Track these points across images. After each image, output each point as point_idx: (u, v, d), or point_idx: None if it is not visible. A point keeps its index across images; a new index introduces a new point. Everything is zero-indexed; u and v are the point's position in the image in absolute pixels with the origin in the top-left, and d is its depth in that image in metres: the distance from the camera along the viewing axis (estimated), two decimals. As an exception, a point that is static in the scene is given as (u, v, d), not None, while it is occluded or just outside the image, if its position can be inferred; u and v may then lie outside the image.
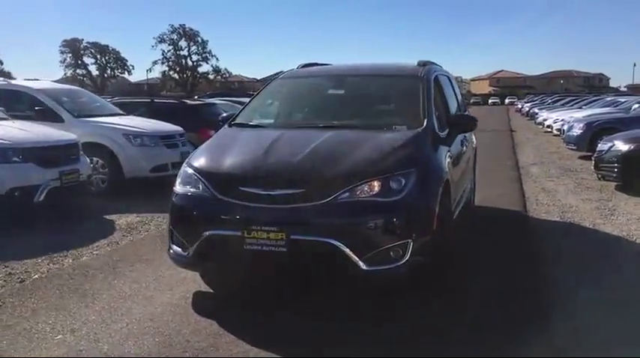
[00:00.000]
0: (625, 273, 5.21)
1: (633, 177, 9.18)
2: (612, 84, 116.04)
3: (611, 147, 9.55)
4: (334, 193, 3.99)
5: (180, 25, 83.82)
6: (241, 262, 4.20)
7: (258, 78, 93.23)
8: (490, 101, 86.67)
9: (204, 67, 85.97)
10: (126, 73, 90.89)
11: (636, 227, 6.90)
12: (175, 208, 4.50)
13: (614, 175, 9.47)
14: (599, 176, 10.10)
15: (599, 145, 10.12)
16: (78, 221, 7.43)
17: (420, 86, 5.37)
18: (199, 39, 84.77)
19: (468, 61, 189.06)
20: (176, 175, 4.74)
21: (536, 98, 52.04)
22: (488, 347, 3.65)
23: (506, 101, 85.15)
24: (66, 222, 7.31)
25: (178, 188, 4.56)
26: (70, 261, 5.64)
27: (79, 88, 13.62)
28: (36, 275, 5.17)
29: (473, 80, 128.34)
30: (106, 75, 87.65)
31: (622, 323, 4.02)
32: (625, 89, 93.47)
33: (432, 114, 5.04)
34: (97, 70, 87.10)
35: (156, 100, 13.25)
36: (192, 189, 4.44)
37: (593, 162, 10.18)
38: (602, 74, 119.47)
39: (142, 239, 6.49)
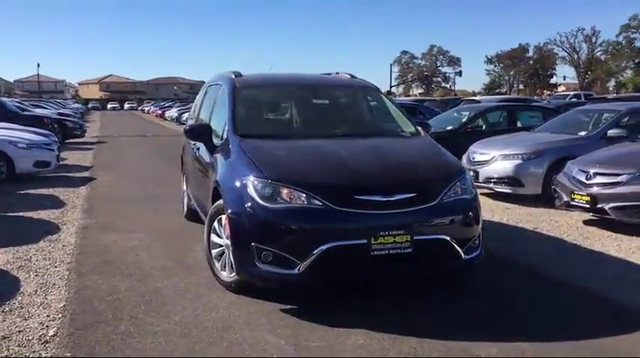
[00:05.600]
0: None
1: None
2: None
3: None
4: (439, 195, 4.54)
5: None
6: (366, 269, 4.34)
7: None
8: (109, 106, 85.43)
9: None
10: None
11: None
12: (272, 224, 4.30)
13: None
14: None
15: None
16: None
17: (382, 96, 6.12)
18: None
19: (74, 63, 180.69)
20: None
21: (166, 103, 54.91)
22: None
23: (126, 106, 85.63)
24: None
25: (264, 202, 4.34)
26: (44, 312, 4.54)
27: None
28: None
29: (81, 84, 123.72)
30: None
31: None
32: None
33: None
34: None
35: None
36: (289, 203, 4.32)
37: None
38: (204, 81, 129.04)
39: (69, 273, 5.42)
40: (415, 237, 4.33)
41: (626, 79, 78.79)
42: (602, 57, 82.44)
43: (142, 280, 5.22)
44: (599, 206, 6.93)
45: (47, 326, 4.21)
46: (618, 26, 76.82)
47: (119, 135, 27.58)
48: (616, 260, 5.98)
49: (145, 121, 46.05)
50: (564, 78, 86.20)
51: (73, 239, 6.79)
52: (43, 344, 3.92)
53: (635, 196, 6.70)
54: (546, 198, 8.82)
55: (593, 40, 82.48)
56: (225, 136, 5.29)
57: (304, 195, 4.31)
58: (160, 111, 50.66)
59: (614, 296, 4.87)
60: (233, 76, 6.08)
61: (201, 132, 5.54)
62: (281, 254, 4.26)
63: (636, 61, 76.63)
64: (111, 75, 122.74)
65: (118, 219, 7.84)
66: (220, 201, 4.84)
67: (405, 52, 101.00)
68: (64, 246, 6.48)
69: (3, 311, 4.50)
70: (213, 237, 4.96)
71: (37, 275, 5.43)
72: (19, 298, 4.81)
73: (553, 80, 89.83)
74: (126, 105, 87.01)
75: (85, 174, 12.93)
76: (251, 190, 4.42)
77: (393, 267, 4.40)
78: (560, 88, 79.65)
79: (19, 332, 4.12)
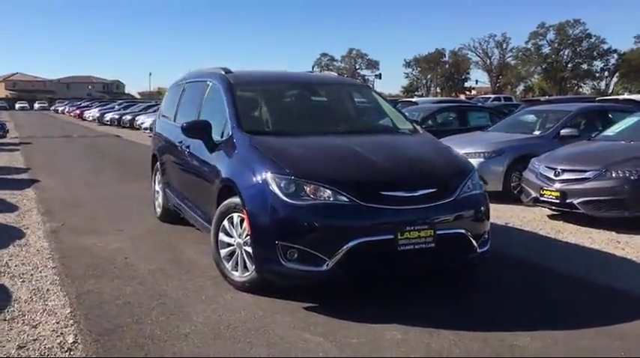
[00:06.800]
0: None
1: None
2: (127, 90, 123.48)
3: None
4: (456, 190, 4.64)
5: None
6: (393, 265, 4.37)
7: None
8: (18, 106, 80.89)
9: None
10: None
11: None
12: (298, 221, 4.24)
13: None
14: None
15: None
16: None
17: (374, 93, 6.18)
18: None
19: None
20: None
21: (82, 103, 53.69)
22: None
23: (37, 106, 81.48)
24: None
25: (288, 199, 4.28)
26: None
27: None
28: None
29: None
30: None
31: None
32: (139, 96, 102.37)
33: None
34: None
35: None
36: (314, 199, 4.28)
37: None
38: (119, 81, 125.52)
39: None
40: (438, 232, 4.41)
41: (534, 83, 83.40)
42: (513, 62, 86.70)
43: (145, 283, 5.01)
44: (568, 201, 7.30)
45: (62, 333, 3.97)
46: (527, 33, 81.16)
47: (42, 136, 26.21)
48: (593, 251, 6.31)
49: (63, 122, 43.93)
50: (476, 82, 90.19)
51: (45, 243, 6.41)
52: (67, 351, 3.70)
53: (601, 191, 7.10)
54: (506, 195, 9.20)
55: (504, 46, 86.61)
56: (228, 133, 5.16)
57: (330, 191, 4.28)
58: (78, 112, 48.59)
59: (606, 283, 5.14)
60: (224, 73, 5.95)
61: (201, 129, 5.36)
62: (307, 251, 4.22)
63: (543, 66, 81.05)
64: (17, 73, 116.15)
65: (86, 222, 7.49)
66: (232, 200, 4.73)
67: (324, 55, 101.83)
68: (38, 250, 6.11)
69: (5, 320, 4.20)
70: (222, 237, 4.84)
71: (23, 281, 5.11)
72: (16, 305, 4.51)
73: (467, 84, 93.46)
74: (36, 105, 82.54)
75: (24, 176, 12.22)
76: (274, 187, 4.34)
77: (416, 261, 4.45)
78: (473, 92, 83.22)
79: (34, 340, 3.86)
